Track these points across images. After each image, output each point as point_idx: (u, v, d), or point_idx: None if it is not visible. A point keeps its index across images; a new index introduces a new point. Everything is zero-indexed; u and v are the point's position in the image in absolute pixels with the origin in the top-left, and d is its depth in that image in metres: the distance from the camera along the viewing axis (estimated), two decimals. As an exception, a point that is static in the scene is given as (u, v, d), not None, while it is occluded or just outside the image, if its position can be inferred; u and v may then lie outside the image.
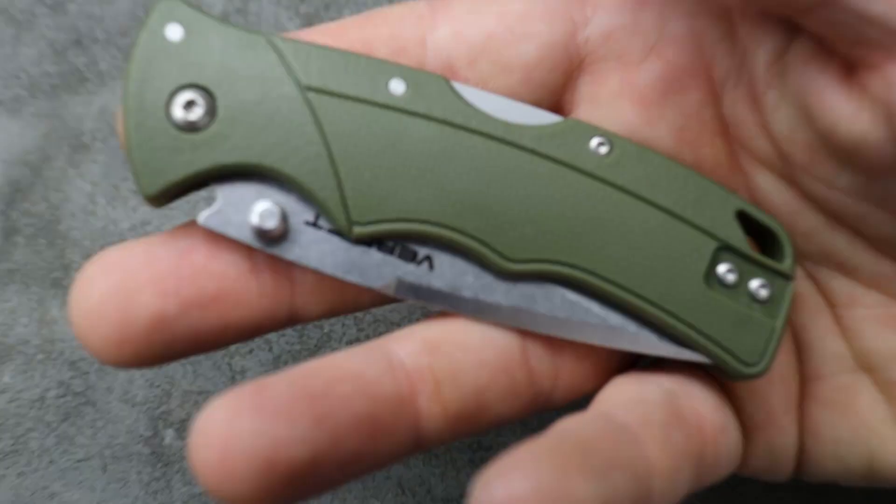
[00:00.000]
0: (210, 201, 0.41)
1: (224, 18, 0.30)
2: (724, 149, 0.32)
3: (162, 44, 0.29)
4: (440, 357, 0.29)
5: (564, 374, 0.31)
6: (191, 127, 0.28)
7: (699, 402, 0.30)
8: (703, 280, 0.30)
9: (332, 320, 0.42)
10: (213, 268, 0.29)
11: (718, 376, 0.32)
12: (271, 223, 0.29)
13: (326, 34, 0.31)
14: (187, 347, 0.29)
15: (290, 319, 0.30)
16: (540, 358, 0.30)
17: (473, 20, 0.32)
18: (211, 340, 0.29)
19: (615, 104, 0.32)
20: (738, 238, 0.30)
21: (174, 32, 0.29)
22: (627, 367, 0.32)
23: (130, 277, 0.28)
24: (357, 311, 0.31)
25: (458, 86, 0.30)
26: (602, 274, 0.30)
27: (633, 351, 0.30)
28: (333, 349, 0.41)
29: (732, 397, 0.32)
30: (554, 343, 0.31)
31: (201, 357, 0.41)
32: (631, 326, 0.30)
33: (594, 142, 0.30)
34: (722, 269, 0.30)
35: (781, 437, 0.32)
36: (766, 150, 0.31)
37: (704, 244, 0.30)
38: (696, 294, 0.30)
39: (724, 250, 0.31)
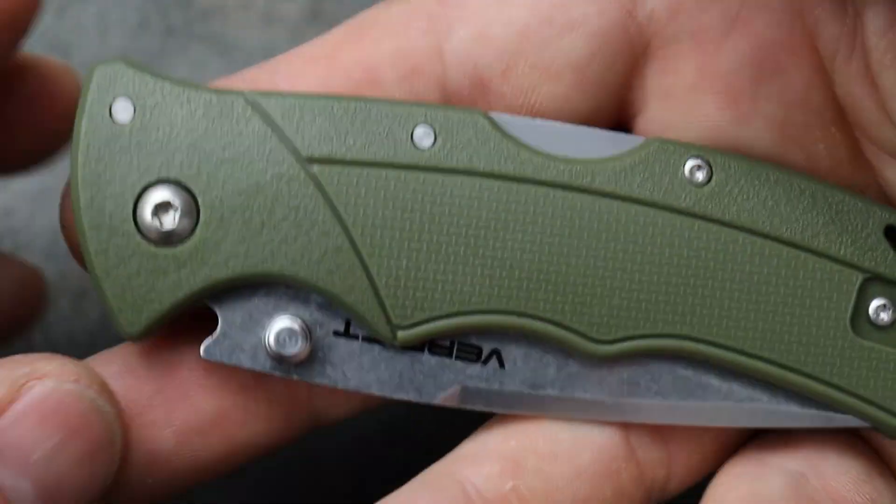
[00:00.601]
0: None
1: (188, 79, 0.23)
2: (843, 141, 0.25)
3: (110, 130, 0.22)
4: (526, 476, 0.23)
5: (679, 457, 0.25)
6: (169, 239, 0.22)
7: (836, 479, 0.24)
8: (850, 325, 0.23)
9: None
10: (207, 382, 0.24)
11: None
12: (293, 348, 0.22)
13: (312, 61, 0.24)
14: (186, 482, 0.24)
15: (312, 425, 0.25)
16: (648, 447, 0.24)
17: (499, 13, 0.24)
18: (215, 469, 0.24)
19: (694, 99, 0.25)
20: (890, 262, 0.24)
21: (123, 111, 0.22)
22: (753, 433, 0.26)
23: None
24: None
25: (501, 119, 0.23)
26: (720, 341, 0.23)
27: (772, 427, 0.24)
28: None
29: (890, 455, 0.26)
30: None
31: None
32: (763, 396, 0.24)
33: (688, 166, 0.23)
34: (874, 306, 0.24)
35: None
36: (893, 138, 0.24)
37: (847, 279, 0.23)
38: (842, 346, 0.23)
39: (874, 281, 0.24)
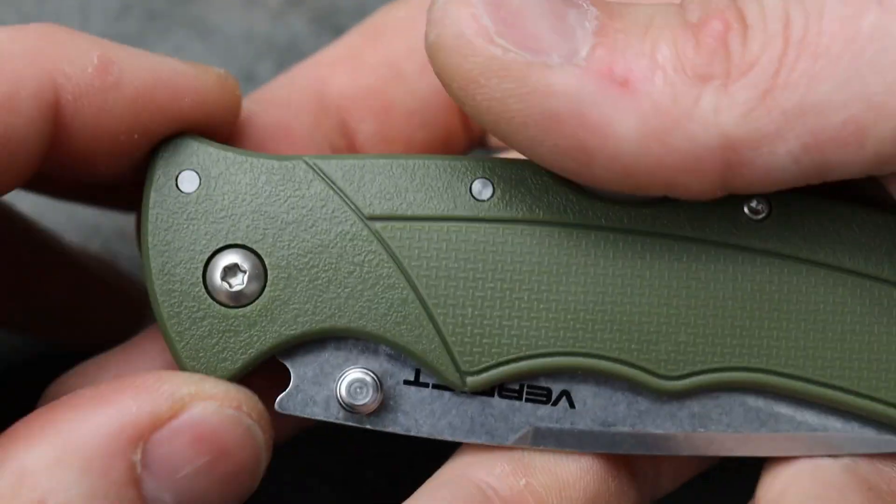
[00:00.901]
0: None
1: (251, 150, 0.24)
2: None
3: (177, 200, 0.23)
4: (537, 473, 0.24)
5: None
6: (238, 300, 0.23)
7: (882, 462, 0.24)
8: None
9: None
10: None
11: None
12: (365, 399, 0.23)
13: (339, 62, 0.27)
14: None
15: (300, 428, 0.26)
16: None
17: None
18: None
19: None
20: None
21: (188, 181, 0.23)
22: None
23: None
24: None
25: None
26: (788, 371, 0.23)
27: (847, 454, 0.24)
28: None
29: None
30: None
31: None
32: (836, 424, 0.24)
33: (748, 202, 0.23)
34: None
35: None
36: None
37: None
38: None
39: None
